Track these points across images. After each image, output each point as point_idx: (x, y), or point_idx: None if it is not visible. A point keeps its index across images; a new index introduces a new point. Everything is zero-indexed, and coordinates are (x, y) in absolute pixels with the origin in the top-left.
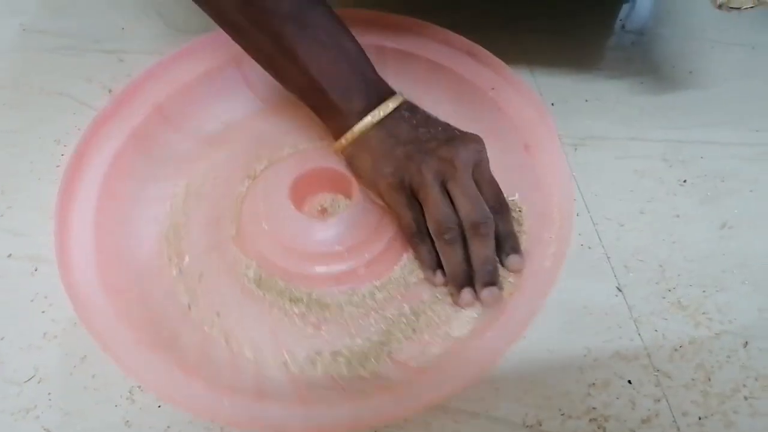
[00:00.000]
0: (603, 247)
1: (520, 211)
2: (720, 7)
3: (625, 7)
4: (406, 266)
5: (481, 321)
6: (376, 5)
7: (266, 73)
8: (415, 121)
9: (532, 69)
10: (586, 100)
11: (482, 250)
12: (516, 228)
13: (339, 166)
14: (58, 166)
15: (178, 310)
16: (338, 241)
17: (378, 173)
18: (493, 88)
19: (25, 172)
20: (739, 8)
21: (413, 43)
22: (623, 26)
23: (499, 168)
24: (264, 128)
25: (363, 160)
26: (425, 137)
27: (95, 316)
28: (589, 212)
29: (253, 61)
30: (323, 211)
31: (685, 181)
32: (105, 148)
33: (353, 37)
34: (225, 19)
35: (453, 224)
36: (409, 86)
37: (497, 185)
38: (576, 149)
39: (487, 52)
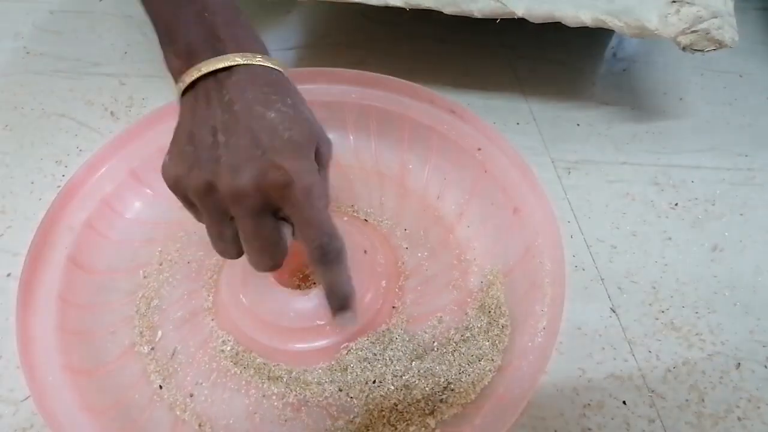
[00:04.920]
0: (596, 268)
1: (498, 286)
2: (684, 49)
3: (616, 35)
4: (392, 341)
5: (471, 407)
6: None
7: None
8: (227, 112)
9: (525, 95)
10: (578, 125)
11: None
12: (499, 309)
13: None
14: (58, 187)
15: (149, 391)
16: (319, 315)
17: (167, 152)
18: (479, 149)
19: (26, 193)
20: (702, 50)
21: (396, 103)
22: (614, 54)
23: (487, 232)
24: None
25: (176, 127)
26: (221, 140)
27: (54, 401)
28: (582, 234)
29: None
30: (305, 279)
31: (676, 204)
32: (74, 217)
33: None
34: None
35: (224, 255)
36: (394, 146)
37: (319, 224)
38: (569, 173)
39: (469, 111)
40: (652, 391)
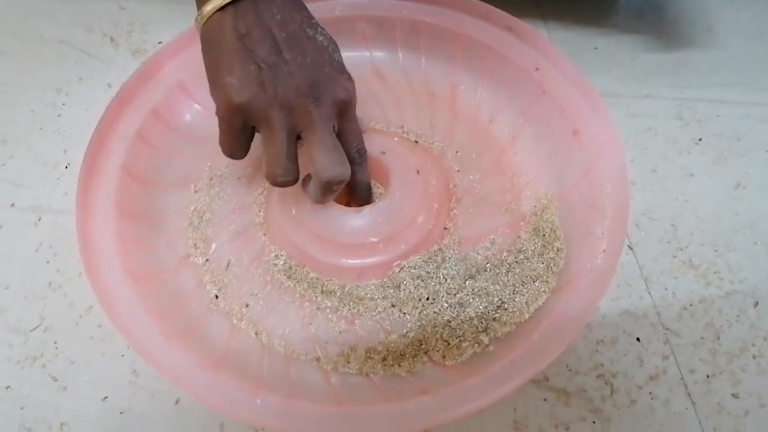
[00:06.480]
0: None
1: (548, 207)
2: None
3: None
4: (444, 260)
5: (526, 323)
6: None
7: None
8: (283, 31)
9: (546, 22)
10: (601, 55)
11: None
12: (554, 233)
13: (374, 151)
14: (59, 116)
15: (205, 300)
16: (373, 232)
17: (219, 80)
18: (537, 69)
19: (26, 122)
20: None
21: (450, 18)
22: None
23: (543, 155)
24: None
25: (209, 53)
26: (289, 57)
27: (119, 305)
28: None
29: None
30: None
31: (699, 140)
32: (126, 127)
33: None
34: None
35: (289, 177)
36: (445, 65)
37: (360, 132)
38: None
39: (530, 28)
40: (667, 328)
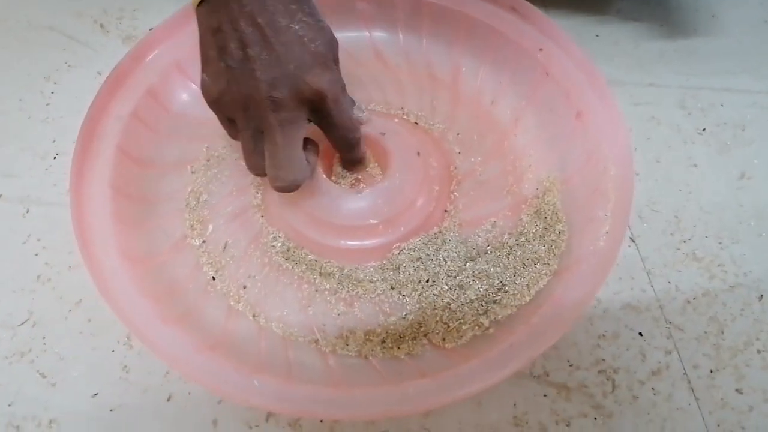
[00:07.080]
0: None
1: (549, 191)
2: None
3: None
4: (444, 242)
5: (527, 306)
6: None
7: None
8: (250, 25)
9: (547, 8)
10: (603, 42)
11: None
12: (555, 216)
13: (374, 132)
14: (48, 104)
15: (202, 281)
16: (372, 214)
17: (201, 74)
18: (540, 50)
19: (14, 111)
20: None
21: None
22: None
23: (545, 138)
24: None
25: (200, 45)
26: (253, 54)
27: (115, 287)
28: None
29: None
30: (357, 181)
31: (703, 129)
32: (121, 107)
33: None
34: None
35: (256, 172)
36: (447, 46)
37: (344, 122)
38: None
39: (534, 8)
40: (670, 322)
